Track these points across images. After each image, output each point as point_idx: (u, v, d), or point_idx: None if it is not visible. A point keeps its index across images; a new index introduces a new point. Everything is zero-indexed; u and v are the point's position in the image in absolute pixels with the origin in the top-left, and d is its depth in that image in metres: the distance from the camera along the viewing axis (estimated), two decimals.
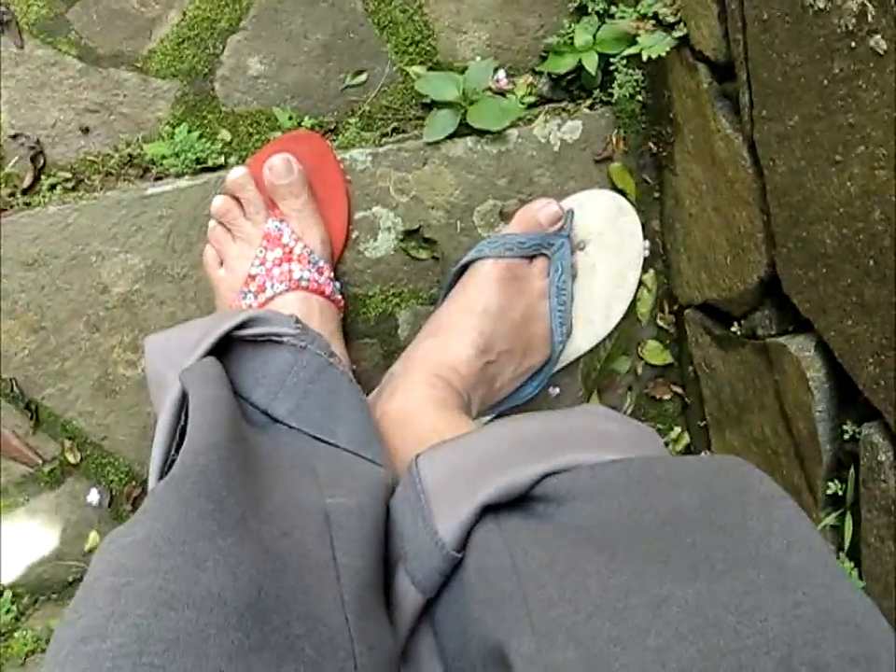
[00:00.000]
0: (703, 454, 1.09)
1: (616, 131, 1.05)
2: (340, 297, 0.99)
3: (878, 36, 0.64)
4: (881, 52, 0.64)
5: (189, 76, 1.10)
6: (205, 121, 1.11)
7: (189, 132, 1.10)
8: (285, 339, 0.80)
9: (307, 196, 0.99)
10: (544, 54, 1.11)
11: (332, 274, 0.99)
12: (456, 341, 0.94)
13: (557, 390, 1.10)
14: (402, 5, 1.09)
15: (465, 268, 0.99)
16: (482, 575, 0.58)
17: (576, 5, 1.09)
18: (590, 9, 1.08)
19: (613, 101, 1.03)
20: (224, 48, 1.10)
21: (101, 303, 1.05)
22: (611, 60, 1.03)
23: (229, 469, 0.59)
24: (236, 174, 0.98)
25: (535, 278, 0.98)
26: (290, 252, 0.96)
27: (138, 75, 1.10)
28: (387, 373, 0.99)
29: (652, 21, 0.92)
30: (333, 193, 1.02)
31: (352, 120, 1.11)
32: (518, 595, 0.53)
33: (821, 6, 0.69)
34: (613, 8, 1.04)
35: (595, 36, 1.05)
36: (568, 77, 1.09)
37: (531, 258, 0.98)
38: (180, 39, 1.09)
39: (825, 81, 0.71)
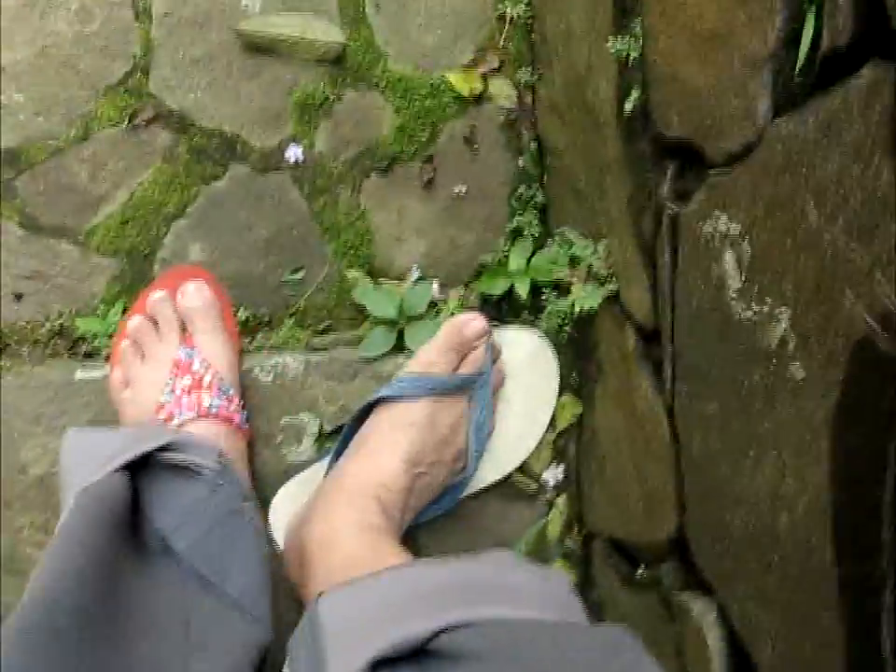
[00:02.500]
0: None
1: None
2: (247, 426, 1.00)
3: (797, 365, 0.69)
4: (798, 381, 0.69)
5: (130, 255, 1.12)
6: None
7: (124, 312, 1.10)
8: (204, 472, 0.80)
9: (216, 319, 1.01)
10: (480, 270, 1.15)
11: (241, 402, 1.00)
12: (384, 456, 0.94)
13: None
14: (346, 210, 1.13)
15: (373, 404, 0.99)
16: None
17: (512, 226, 1.13)
18: (525, 232, 1.13)
19: (542, 329, 1.07)
20: (168, 231, 1.11)
21: (17, 481, 1.04)
22: (542, 289, 1.07)
23: (80, 623, 0.59)
24: (157, 295, 1.01)
25: (447, 413, 1.00)
26: (200, 380, 0.98)
27: (78, 248, 1.11)
28: (315, 491, 0.99)
29: (587, 273, 0.97)
30: (226, 315, 1.06)
31: (287, 317, 1.13)
32: None
33: (748, 317, 0.74)
34: (549, 240, 1.09)
35: (528, 262, 1.10)
36: (500, 296, 1.13)
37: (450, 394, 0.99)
38: (125, 219, 1.11)
39: (745, 383, 0.76)
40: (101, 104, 1.09)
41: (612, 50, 0.87)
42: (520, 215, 1.13)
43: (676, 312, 0.84)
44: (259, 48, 1.09)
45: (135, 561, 0.70)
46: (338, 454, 1.00)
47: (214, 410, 0.96)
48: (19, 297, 1.11)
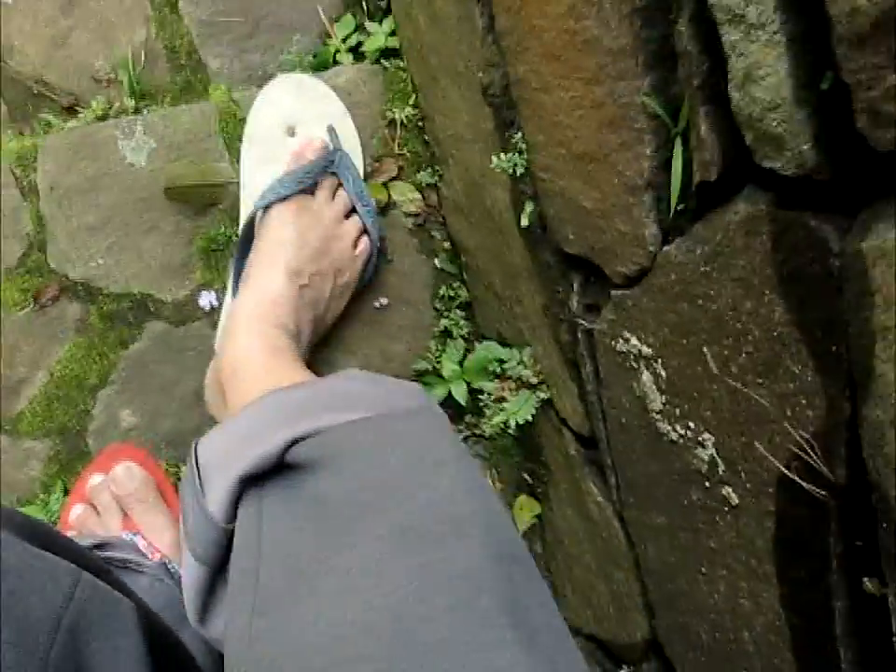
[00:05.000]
0: None
1: (490, 469, 1.07)
2: None
3: (730, 489, 0.68)
4: (734, 505, 0.67)
5: (61, 433, 1.09)
6: (79, 476, 1.09)
7: (65, 494, 1.08)
8: (144, 569, 0.90)
9: (153, 498, 1.00)
10: (415, 377, 1.13)
11: None
12: (267, 278, 0.97)
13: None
14: None
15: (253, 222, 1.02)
16: (238, 546, 0.63)
17: (440, 329, 1.11)
18: (454, 334, 1.11)
19: (486, 435, 1.05)
20: (95, 403, 1.09)
21: None
22: (479, 394, 1.05)
23: None
24: (93, 481, 1.00)
25: (323, 207, 1.02)
26: None
27: (8, 436, 1.08)
28: (218, 333, 1.06)
29: (517, 382, 0.95)
30: (165, 490, 1.03)
31: None
32: (252, 572, 0.59)
33: (674, 438, 0.72)
34: (478, 343, 1.07)
35: (461, 365, 1.08)
36: (440, 401, 1.11)
37: (312, 188, 1.02)
38: (49, 399, 1.08)
39: (685, 502, 0.74)
40: (3, 289, 1.06)
41: (499, 167, 0.85)
42: (446, 316, 1.11)
43: (607, 424, 0.83)
44: (153, 202, 1.07)
45: None
46: (234, 290, 1.03)
47: None
48: None
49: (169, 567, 0.94)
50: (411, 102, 1.09)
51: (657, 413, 0.73)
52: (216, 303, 1.09)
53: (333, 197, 1.05)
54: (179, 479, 1.08)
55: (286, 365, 0.90)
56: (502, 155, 0.85)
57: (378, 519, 0.59)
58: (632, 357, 0.74)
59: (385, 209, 1.10)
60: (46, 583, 0.57)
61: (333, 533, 0.59)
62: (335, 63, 1.16)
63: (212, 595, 0.70)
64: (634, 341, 0.73)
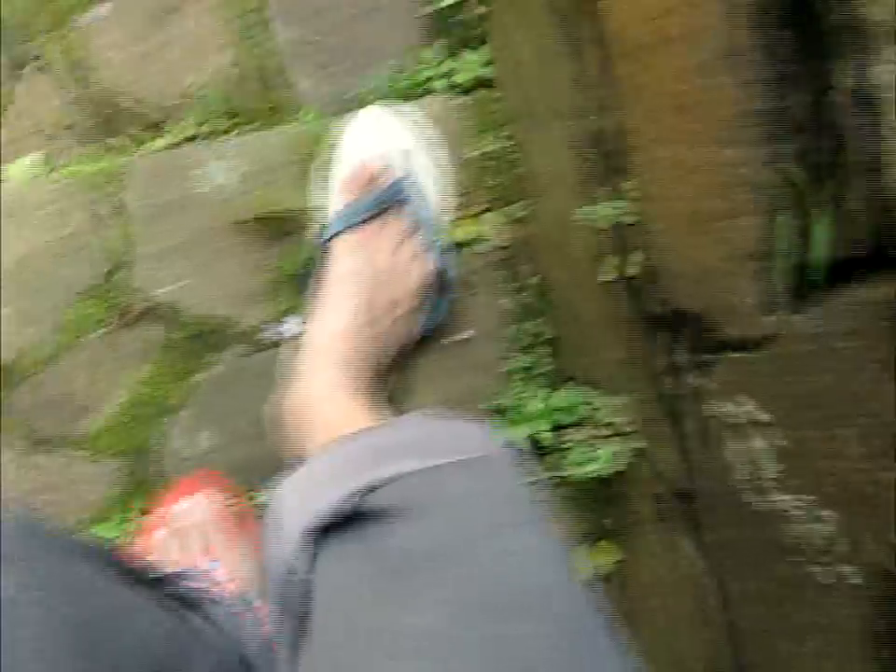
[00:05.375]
0: None
1: (569, 512, 1.05)
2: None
3: (851, 569, 0.65)
4: (854, 585, 0.65)
5: (139, 453, 1.09)
6: (156, 497, 1.09)
7: (142, 514, 1.07)
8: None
9: (234, 529, 0.99)
10: (495, 415, 1.11)
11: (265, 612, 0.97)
12: (334, 313, 0.96)
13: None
14: None
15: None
16: (317, 599, 0.60)
17: (524, 365, 1.09)
18: (538, 371, 1.09)
19: (567, 478, 1.03)
20: (173, 424, 1.08)
21: None
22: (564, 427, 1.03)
23: None
24: (179, 506, 1.00)
25: (387, 232, 1.01)
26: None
27: (86, 455, 1.08)
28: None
29: (608, 428, 0.93)
30: (246, 523, 1.02)
31: None
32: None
33: (785, 509, 0.70)
34: (563, 383, 1.05)
35: (546, 403, 1.06)
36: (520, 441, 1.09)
37: (379, 216, 1.00)
38: (128, 418, 1.08)
39: (786, 573, 0.72)
40: (88, 306, 1.06)
41: (603, 214, 0.83)
42: (530, 353, 1.09)
43: (708, 483, 0.80)
44: (241, 227, 1.06)
45: None
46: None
47: None
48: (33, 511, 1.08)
49: (247, 599, 0.93)
50: (504, 134, 1.07)
51: (769, 481, 0.70)
52: (297, 330, 1.07)
53: (402, 226, 1.03)
54: (256, 506, 1.07)
55: (352, 402, 0.90)
56: (607, 202, 0.83)
57: (449, 581, 0.57)
58: (744, 421, 0.72)
59: (472, 242, 1.08)
60: None
61: (401, 591, 0.57)
62: (426, 90, 1.14)
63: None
64: (749, 406, 0.71)
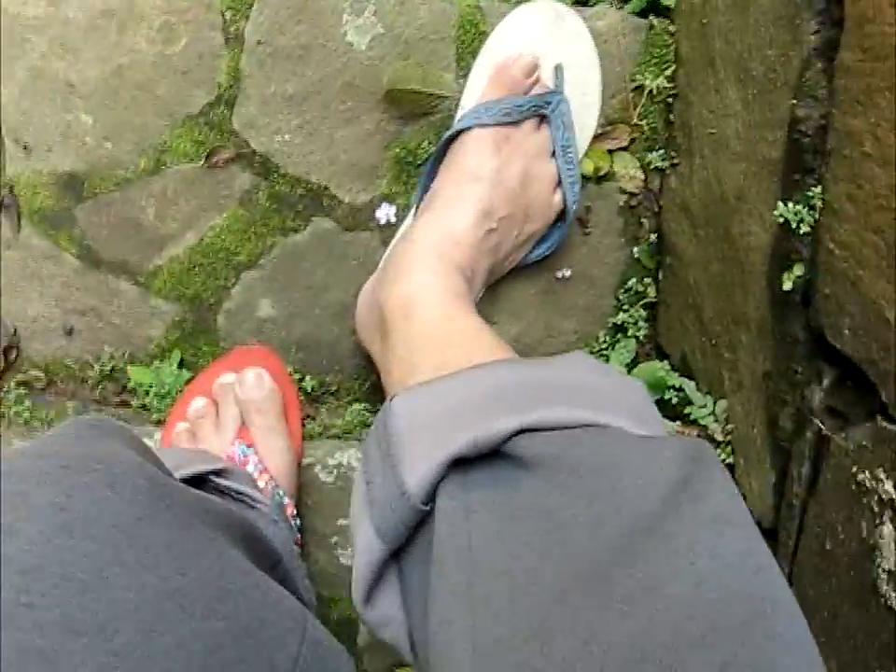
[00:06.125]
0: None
1: None
2: (298, 535, 0.93)
3: None
4: None
5: (193, 302, 1.02)
6: (199, 352, 1.03)
7: (180, 367, 1.01)
8: (259, 506, 0.82)
9: (276, 416, 0.92)
10: None
11: (294, 511, 0.92)
12: (454, 211, 0.89)
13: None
14: None
15: (453, 138, 0.93)
16: (441, 545, 0.53)
17: (616, 321, 1.02)
18: (630, 332, 1.02)
19: None
20: (236, 282, 1.01)
21: None
22: None
23: None
24: (225, 378, 0.94)
25: (527, 140, 0.93)
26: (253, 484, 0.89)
27: (138, 288, 1.01)
28: (386, 253, 0.97)
29: (699, 429, 0.86)
30: (290, 411, 0.96)
31: (357, 389, 1.04)
32: (464, 586, 0.50)
33: (894, 606, 0.64)
34: (654, 353, 0.98)
35: (629, 371, 0.99)
36: None
37: (518, 121, 0.93)
38: (192, 264, 1.00)
39: (875, 664, 0.66)
40: (177, 135, 0.97)
41: (781, 214, 0.74)
42: (626, 310, 1.02)
43: (802, 537, 0.74)
44: (361, 92, 0.96)
45: None
46: (417, 206, 0.96)
47: None
48: (69, 332, 1.02)
49: (280, 495, 0.88)
50: (667, 72, 0.97)
51: (885, 572, 0.64)
52: (393, 219, 0.99)
53: (544, 142, 0.94)
54: (301, 390, 1.01)
55: (465, 315, 0.81)
56: (790, 204, 0.73)
57: (619, 573, 0.47)
58: (876, 499, 0.65)
59: (601, 178, 0.99)
60: (284, 622, 0.50)
61: (564, 569, 0.49)
62: None
63: (381, 577, 0.61)
64: (888, 486, 0.63)
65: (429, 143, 0.98)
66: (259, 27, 0.95)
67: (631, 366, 1.00)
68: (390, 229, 1.00)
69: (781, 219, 0.74)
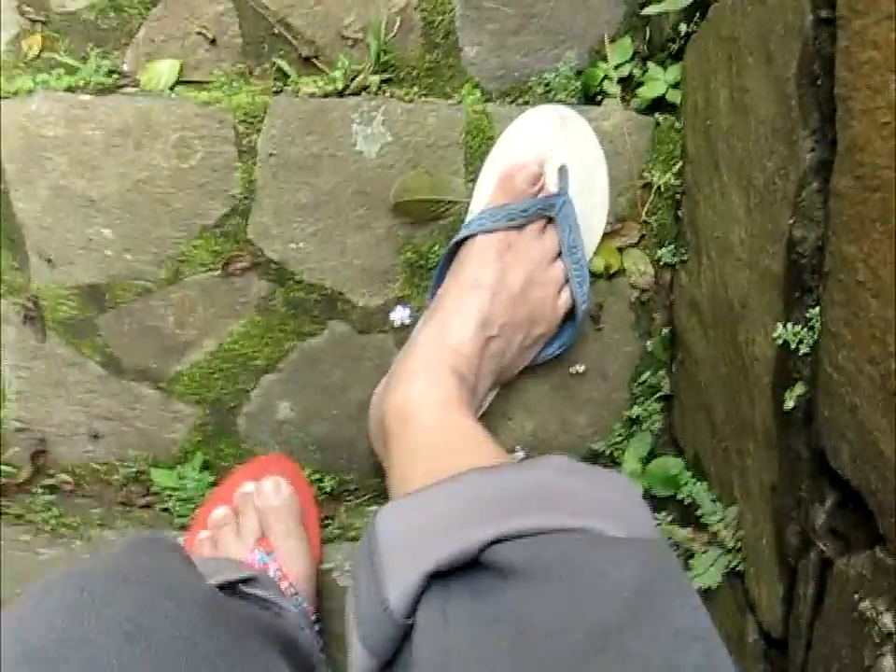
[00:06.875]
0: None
1: None
2: (321, 642, 0.94)
3: None
4: None
5: (214, 406, 1.04)
6: (221, 453, 1.05)
7: (203, 470, 1.03)
8: (285, 613, 0.81)
9: (294, 521, 0.93)
10: (589, 457, 1.05)
11: (314, 617, 0.94)
12: (456, 319, 0.91)
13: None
14: None
15: (459, 245, 0.95)
16: (419, 655, 0.56)
17: (631, 414, 1.03)
18: (644, 425, 1.02)
19: None
20: (256, 385, 1.03)
21: None
22: (654, 496, 0.98)
23: None
24: (245, 487, 0.95)
25: (531, 244, 0.94)
26: None
27: (160, 394, 1.03)
28: (395, 360, 0.98)
29: (710, 535, 0.86)
30: (308, 516, 0.97)
31: (374, 489, 1.05)
32: None
33: None
34: (669, 448, 0.98)
35: (643, 465, 1.00)
36: None
37: (522, 225, 0.94)
38: (212, 369, 1.03)
39: None
40: (194, 246, 1.00)
41: (780, 336, 0.75)
42: (640, 404, 1.03)
43: (810, 657, 0.74)
44: (372, 199, 0.98)
45: None
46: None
47: None
48: (95, 437, 1.05)
49: (304, 607, 0.89)
50: (675, 169, 0.98)
51: None
52: (407, 321, 1.01)
53: (548, 245, 0.96)
54: (321, 490, 1.03)
55: (459, 421, 0.83)
56: (789, 325, 0.74)
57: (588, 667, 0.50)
58: (876, 629, 0.65)
59: (612, 275, 1.00)
60: None
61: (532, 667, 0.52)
62: (601, 91, 1.03)
63: None
64: (887, 619, 0.64)
65: (440, 246, 1.00)
66: (271, 139, 0.97)
67: (648, 458, 1.00)
68: (405, 330, 1.01)
69: (781, 341, 0.75)
